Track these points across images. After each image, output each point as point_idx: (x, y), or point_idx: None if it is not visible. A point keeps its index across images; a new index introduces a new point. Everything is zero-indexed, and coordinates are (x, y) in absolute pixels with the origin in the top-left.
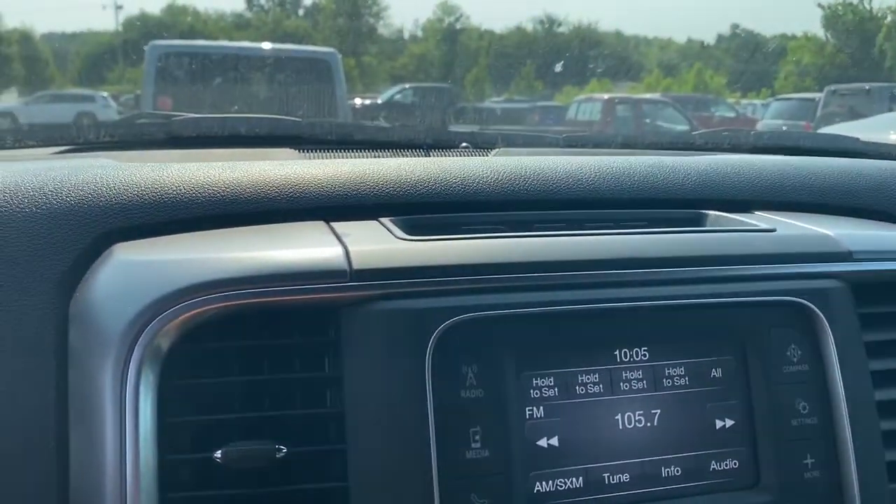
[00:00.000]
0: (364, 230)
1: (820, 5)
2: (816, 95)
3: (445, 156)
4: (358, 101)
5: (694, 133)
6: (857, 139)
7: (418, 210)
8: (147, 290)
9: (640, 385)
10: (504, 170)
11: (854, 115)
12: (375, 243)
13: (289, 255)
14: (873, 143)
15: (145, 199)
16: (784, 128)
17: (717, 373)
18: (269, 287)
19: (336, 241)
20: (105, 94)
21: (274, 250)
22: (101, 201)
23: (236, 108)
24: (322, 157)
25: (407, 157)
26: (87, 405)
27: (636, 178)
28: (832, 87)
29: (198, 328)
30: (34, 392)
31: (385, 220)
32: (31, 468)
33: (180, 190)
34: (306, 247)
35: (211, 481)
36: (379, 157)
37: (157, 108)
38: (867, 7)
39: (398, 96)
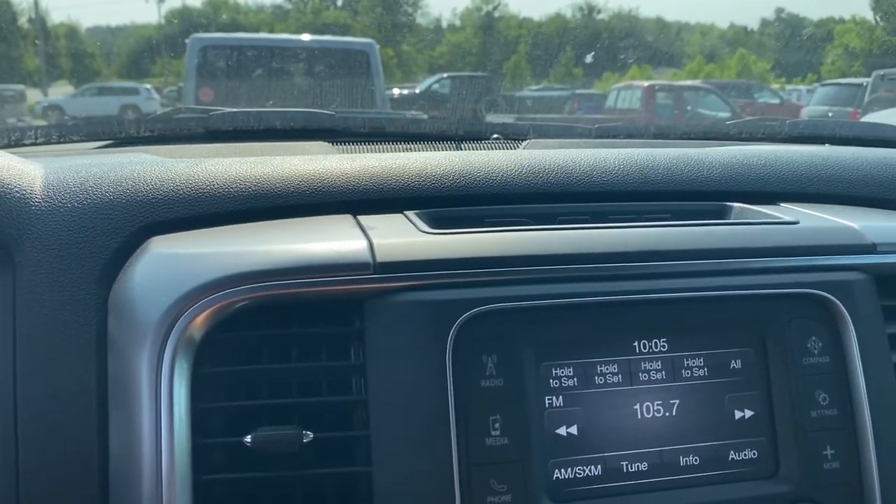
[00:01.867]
0: (389, 223)
1: None
2: (864, 80)
3: (477, 148)
4: (396, 91)
5: (728, 122)
6: None
7: (444, 203)
8: (181, 281)
9: (658, 376)
10: (529, 163)
11: None
12: (399, 236)
13: (316, 249)
14: None
15: (181, 194)
16: (830, 114)
17: (736, 364)
18: (296, 279)
19: (361, 235)
20: (149, 86)
21: (301, 244)
22: (139, 196)
23: (271, 102)
24: (355, 150)
25: (438, 149)
26: (125, 391)
27: (661, 171)
28: (881, 72)
29: (229, 318)
30: (75, 378)
31: (410, 214)
32: (72, 450)
33: (214, 185)
34: (333, 240)
35: (241, 465)
36: (411, 149)
37: (199, 99)
38: None
39: (436, 86)
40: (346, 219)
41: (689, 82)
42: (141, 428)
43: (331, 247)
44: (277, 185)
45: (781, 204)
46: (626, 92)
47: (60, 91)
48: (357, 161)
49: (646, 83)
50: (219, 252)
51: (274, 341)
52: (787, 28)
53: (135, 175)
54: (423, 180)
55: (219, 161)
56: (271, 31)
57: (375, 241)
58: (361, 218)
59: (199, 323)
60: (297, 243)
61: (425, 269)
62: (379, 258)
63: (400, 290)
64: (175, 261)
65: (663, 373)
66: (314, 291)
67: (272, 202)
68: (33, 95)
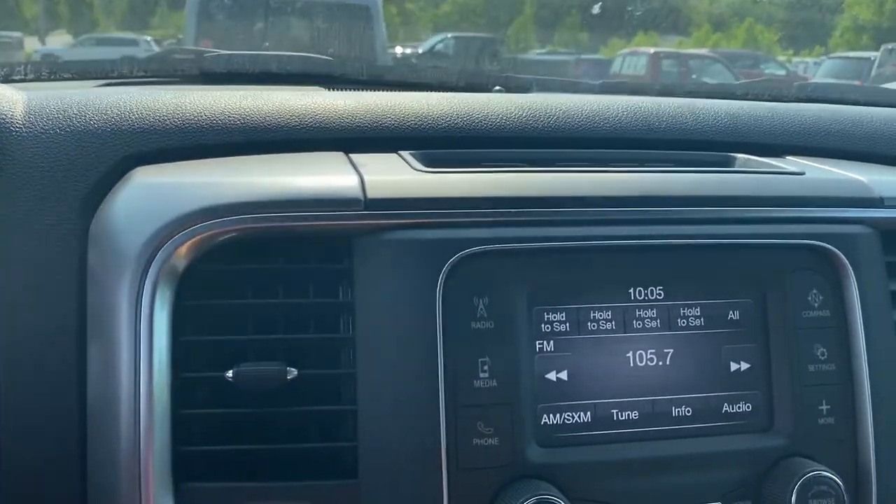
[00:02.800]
0: (382, 162)
1: None
2: (872, 54)
3: None
4: (399, 50)
5: (736, 84)
6: None
7: (440, 145)
8: (165, 211)
9: (653, 324)
10: (529, 107)
11: None
12: (391, 174)
13: (305, 183)
14: None
15: (168, 124)
16: None
17: (734, 315)
18: (283, 212)
19: (352, 171)
20: (148, 38)
21: (290, 177)
22: (124, 125)
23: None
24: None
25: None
26: (104, 321)
27: (665, 119)
28: (889, 46)
29: (214, 250)
30: (55, 308)
31: (404, 153)
32: (51, 384)
33: (202, 116)
34: (323, 175)
35: (222, 400)
36: None
37: None
38: None
39: (439, 46)
40: (338, 156)
41: (695, 50)
42: (119, 360)
43: (320, 181)
44: (268, 119)
45: (787, 157)
46: (631, 58)
47: (59, 41)
48: (351, 98)
49: (651, 50)
50: (204, 182)
51: (260, 276)
52: None
53: (120, 104)
54: (420, 120)
55: (208, 93)
56: None
57: (367, 178)
58: (354, 156)
59: (181, 253)
60: (286, 177)
61: (417, 208)
62: (370, 194)
63: (391, 227)
64: (159, 190)
65: (658, 321)
66: (302, 226)
67: (261, 136)
68: (31, 44)
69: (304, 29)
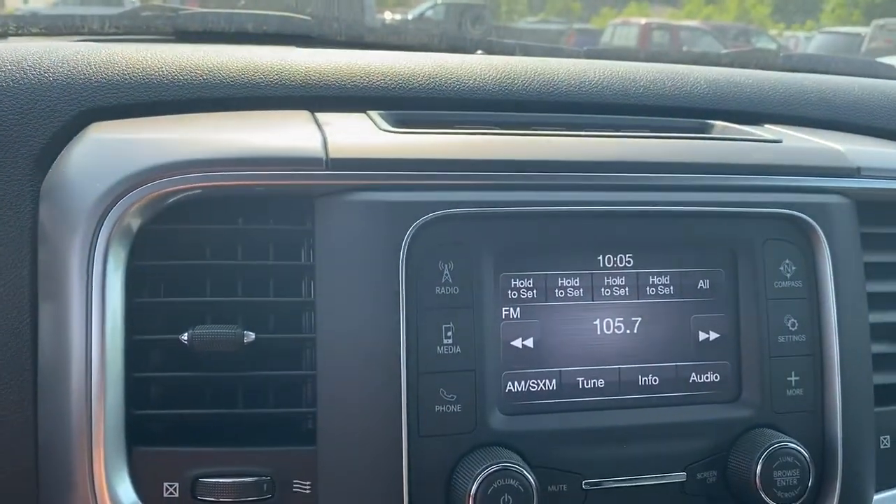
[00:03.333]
0: (348, 121)
1: None
2: (863, 30)
3: None
4: (388, 15)
5: (721, 52)
6: (894, 66)
7: (411, 106)
8: (118, 167)
9: (621, 292)
10: (504, 69)
11: None
12: (356, 133)
13: (265, 140)
14: None
15: (127, 79)
16: None
17: (704, 284)
18: (242, 170)
19: (316, 130)
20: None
21: (250, 135)
22: (82, 78)
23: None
24: None
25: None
26: (56, 282)
27: (642, 85)
28: (880, 22)
29: (170, 209)
30: (8, 267)
31: (372, 113)
32: (3, 346)
33: (163, 71)
34: (285, 133)
35: (177, 363)
36: None
37: None
38: None
39: (430, 12)
40: (303, 114)
41: (686, 22)
42: (70, 321)
43: (282, 140)
44: (232, 74)
45: (766, 125)
46: (622, 28)
47: (42, 0)
48: (320, 56)
49: (643, 20)
50: (160, 139)
51: (218, 236)
52: None
53: (78, 56)
54: (390, 79)
55: (171, 48)
56: None
57: (330, 137)
58: (319, 114)
59: (136, 211)
60: (246, 134)
61: (382, 168)
62: (332, 154)
63: (354, 188)
64: (114, 146)
65: (627, 289)
66: (262, 185)
67: (225, 92)
68: (13, 2)
69: None
